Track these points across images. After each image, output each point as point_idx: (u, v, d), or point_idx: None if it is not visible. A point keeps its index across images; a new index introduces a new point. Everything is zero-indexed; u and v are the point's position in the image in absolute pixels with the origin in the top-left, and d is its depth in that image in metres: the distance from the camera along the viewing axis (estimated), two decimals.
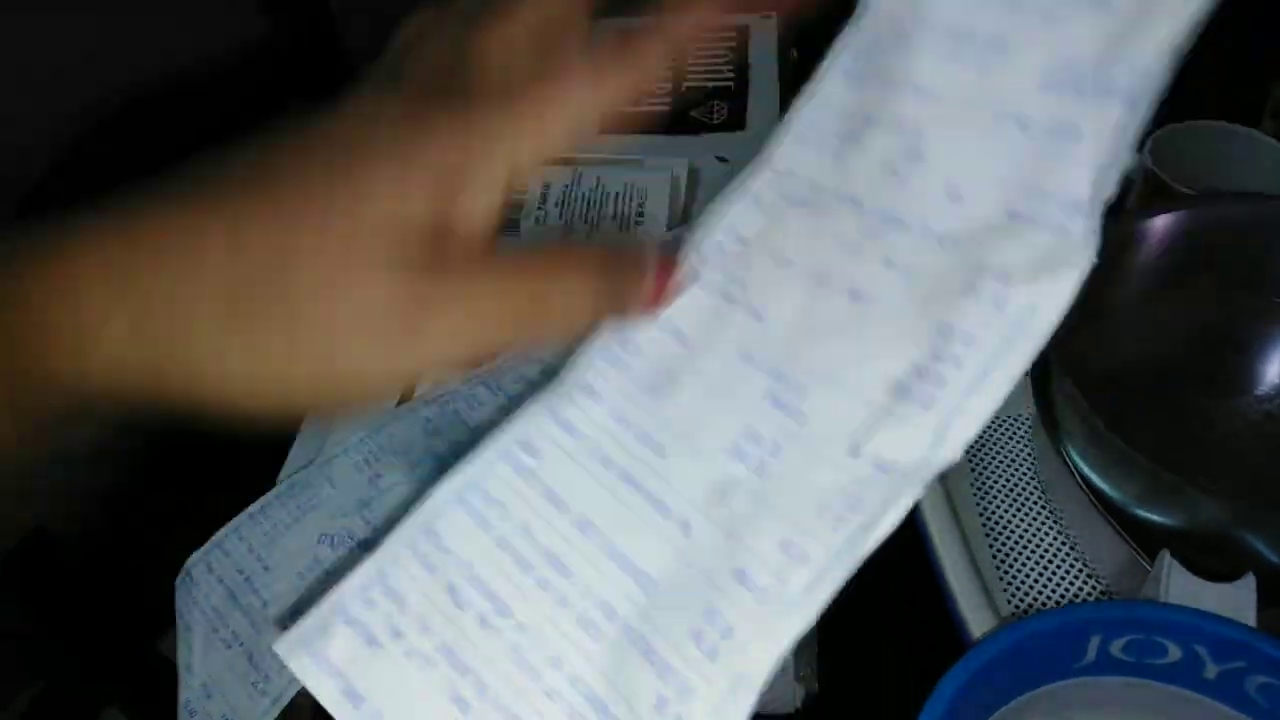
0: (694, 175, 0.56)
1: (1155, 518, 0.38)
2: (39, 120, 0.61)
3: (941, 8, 0.20)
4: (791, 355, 0.20)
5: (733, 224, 0.22)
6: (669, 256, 0.22)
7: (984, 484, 0.49)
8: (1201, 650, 0.30)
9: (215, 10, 0.74)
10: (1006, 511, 0.48)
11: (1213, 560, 0.39)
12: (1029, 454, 0.49)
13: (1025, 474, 0.49)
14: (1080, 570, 0.42)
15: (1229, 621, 0.29)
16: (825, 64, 0.22)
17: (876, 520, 0.20)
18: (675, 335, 0.21)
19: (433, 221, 0.19)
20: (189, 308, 0.18)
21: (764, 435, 0.20)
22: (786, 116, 0.22)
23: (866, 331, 0.20)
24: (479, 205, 0.20)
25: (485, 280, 0.20)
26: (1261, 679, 0.29)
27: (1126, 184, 0.56)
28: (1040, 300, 0.19)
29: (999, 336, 0.19)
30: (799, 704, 0.38)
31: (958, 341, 0.19)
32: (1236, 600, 0.31)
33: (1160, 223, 0.43)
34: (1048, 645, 0.30)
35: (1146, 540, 0.39)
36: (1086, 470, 0.41)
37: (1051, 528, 0.47)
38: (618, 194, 0.54)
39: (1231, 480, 0.41)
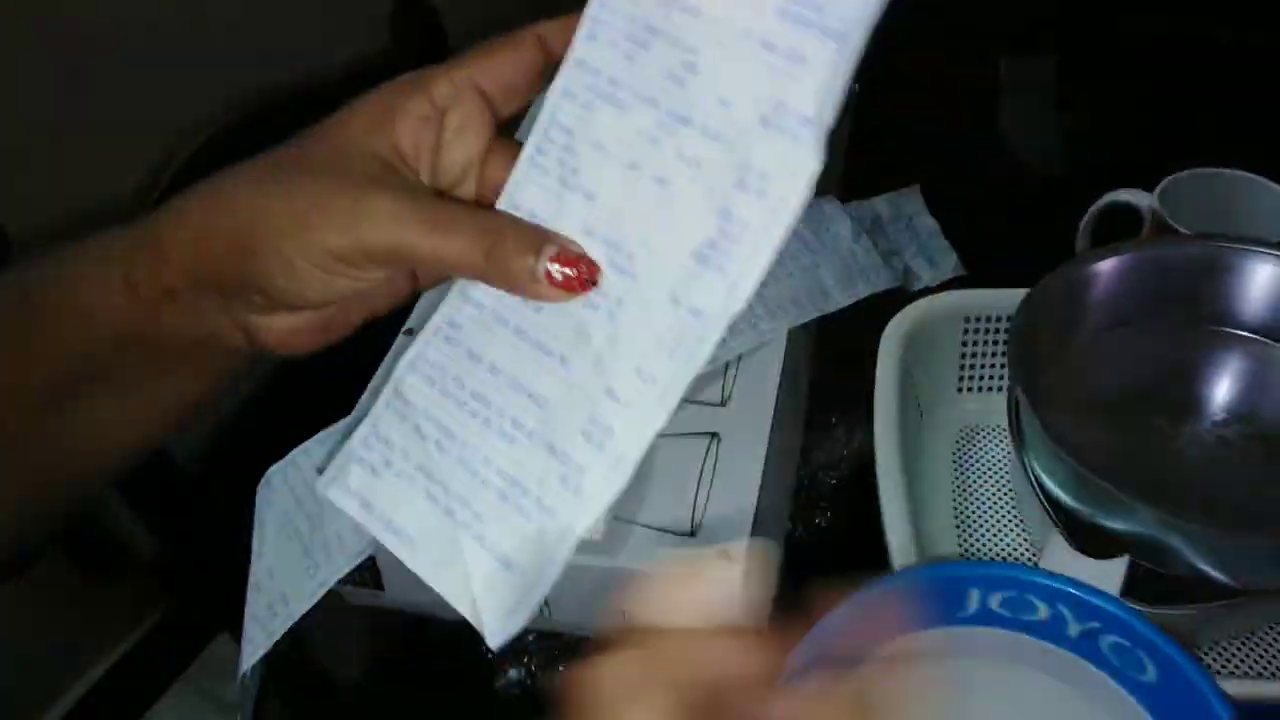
0: None
1: (1103, 524, 0.43)
2: (195, 111, 0.74)
3: None
4: (620, 229, 0.27)
5: (554, 115, 0.28)
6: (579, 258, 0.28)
7: (965, 485, 0.54)
8: (1065, 610, 0.35)
9: (352, 26, 0.86)
10: (980, 510, 0.52)
11: (1148, 562, 0.44)
12: (1006, 464, 0.54)
13: (1003, 480, 0.54)
14: (1033, 563, 0.47)
15: (1087, 587, 0.34)
16: None
17: (697, 349, 0.26)
18: (530, 215, 0.29)
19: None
20: (245, 182, 0.30)
21: (608, 291, 0.27)
22: (584, 14, 0.28)
23: (672, 211, 0.26)
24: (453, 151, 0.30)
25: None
26: (1113, 638, 0.34)
27: (1138, 221, 0.60)
28: (788, 192, 0.25)
29: (761, 219, 0.25)
30: None
31: (736, 223, 0.26)
32: (1103, 573, 0.36)
33: (1116, 263, 0.47)
34: (930, 593, 0.36)
35: (1096, 543, 0.43)
36: (1045, 480, 0.46)
37: (1015, 526, 0.51)
38: None
39: (1182, 496, 0.45)
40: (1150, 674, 0.33)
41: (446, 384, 0.29)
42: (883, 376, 0.51)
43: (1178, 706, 0.33)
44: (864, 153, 0.80)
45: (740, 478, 0.46)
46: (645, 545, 0.44)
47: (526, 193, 0.29)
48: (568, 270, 0.28)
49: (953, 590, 0.36)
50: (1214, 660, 0.45)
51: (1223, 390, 0.48)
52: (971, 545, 0.51)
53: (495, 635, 0.29)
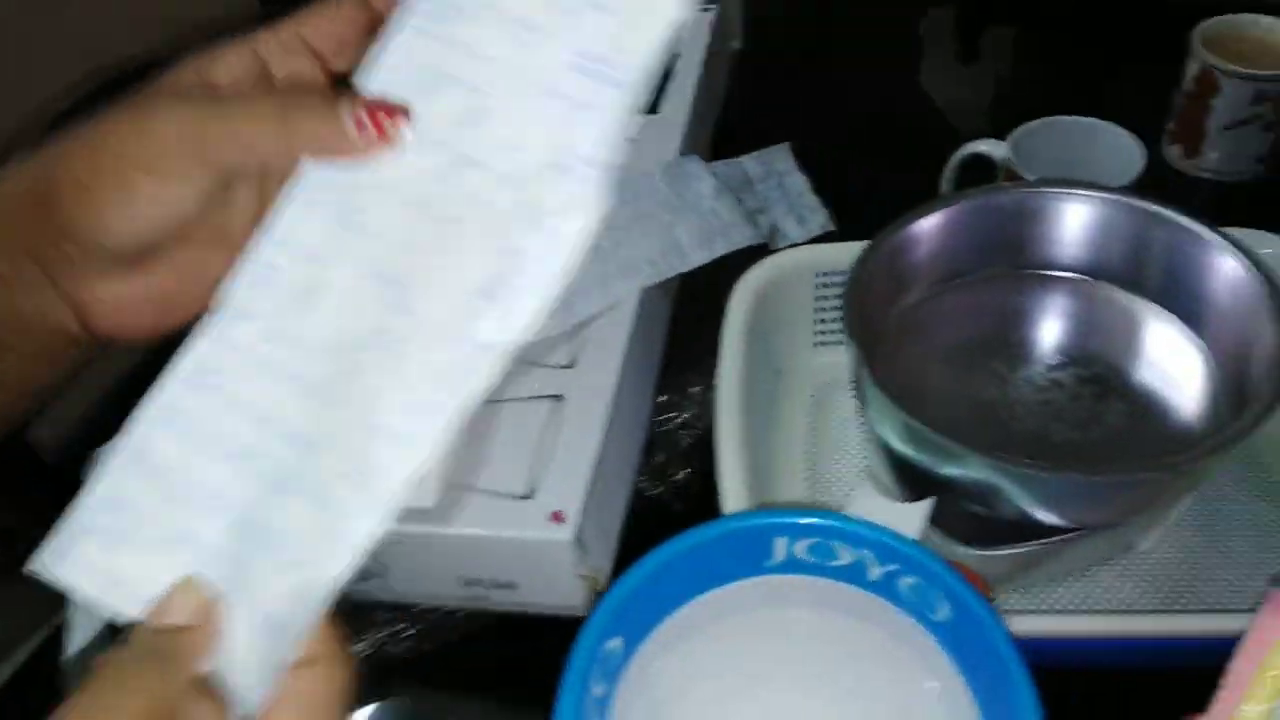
0: None
1: (937, 471, 0.43)
2: (43, 82, 0.71)
3: None
4: (403, 267, 0.27)
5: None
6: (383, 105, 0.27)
7: (819, 440, 0.54)
8: (866, 554, 0.35)
9: None
10: (834, 463, 0.53)
11: (981, 506, 0.44)
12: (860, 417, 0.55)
13: (857, 434, 0.54)
14: None
15: (887, 531, 0.35)
16: (396, 22, 0.27)
17: (474, 383, 0.26)
18: (309, 254, 0.28)
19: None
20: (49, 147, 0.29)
21: (388, 331, 0.27)
22: (369, 56, 0.28)
23: (458, 249, 0.26)
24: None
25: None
26: (911, 579, 0.35)
27: (993, 171, 0.61)
28: (571, 230, 0.26)
29: (546, 254, 0.26)
30: (584, 604, 0.44)
31: (518, 258, 0.26)
32: (905, 517, 0.36)
33: (945, 215, 0.48)
34: (735, 545, 0.36)
35: (933, 490, 0.43)
36: (881, 431, 0.46)
37: (866, 478, 0.52)
38: None
39: (1014, 442, 0.45)
40: (944, 612, 0.34)
41: (200, 438, 0.27)
42: (729, 332, 0.51)
43: (968, 640, 0.33)
44: (744, 111, 0.81)
45: (580, 440, 0.46)
46: (481, 510, 0.44)
47: (306, 229, 0.28)
48: (380, 115, 0.27)
49: (759, 541, 0.36)
50: (1039, 598, 0.46)
51: (1054, 333, 0.48)
52: (823, 499, 0.51)
53: (247, 699, 0.26)
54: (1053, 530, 0.43)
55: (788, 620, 0.37)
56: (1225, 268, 0.43)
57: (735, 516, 0.36)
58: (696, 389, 0.57)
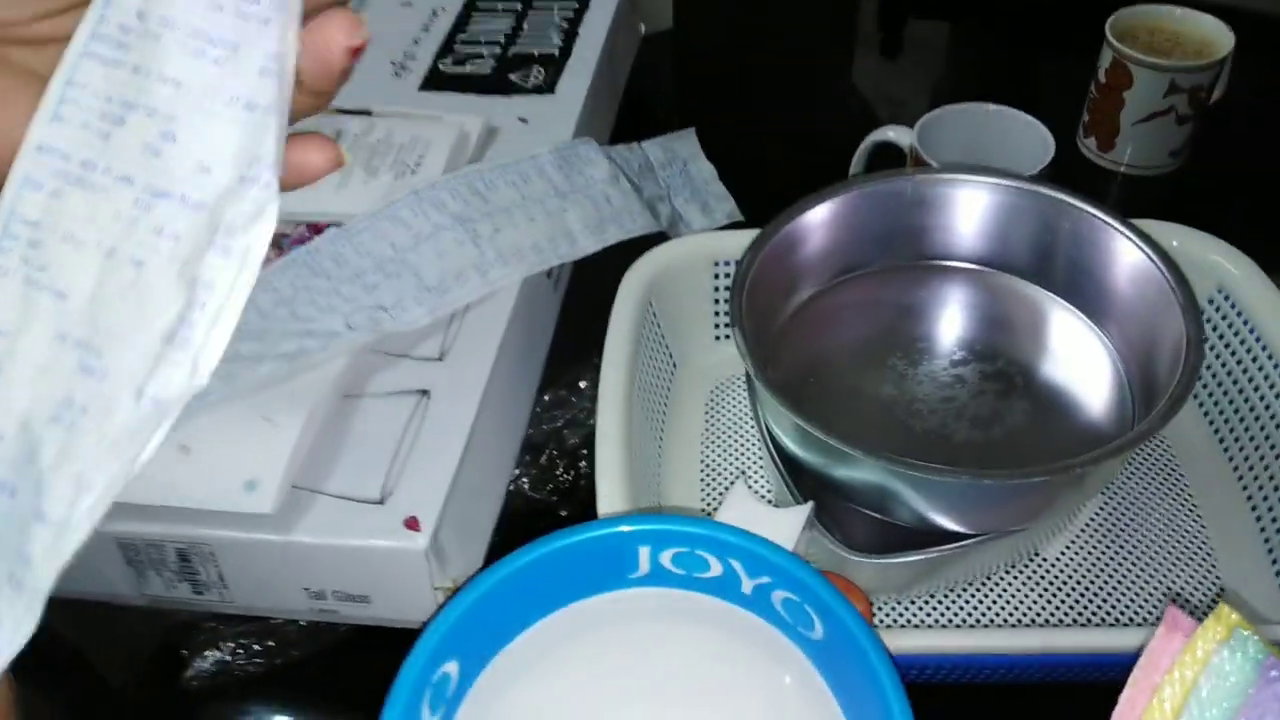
0: (491, 133, 0.59)
1: (830, 474, 0.40)
2: None
3: (183, 9, 0.23)
4: (93, 325, 0.23)
5: (13, 209, 0.24)
6: None
7: (715, 437, 0.51)
8: (738, 565, 0.32)
9: None
10: (729, 463, 0.49)
11: (875, 511, 0.41)
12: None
13: (754, 432, 0.51)
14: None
15: (759, 540, 0.31)
16: (72, 49, 0.24)
17: (145, 443, 0.23)
18: None
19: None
20: None
21: (76, 399, 0.23)
22: (45, 96, 0.24)
23: (145, 294, 0.23)
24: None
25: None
26: (784, 593, 0.31)
27: (903, 160, 0.58)
28: (254, 241, 0.23)
29: (228, 278, 0.23)
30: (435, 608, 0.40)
31: (201, 289, 0.23)
32: (780, 524, 0.33)
33: (838, 204, 0.45)
34: (594, 555, 0.32)
35: (829, 493, 0.40)
36: (775, 432, 0.43)
37: (763, 479, 0.48)
38: (402, 145, 0.56)
39: (912, 443, 0.42)
40: (818, 629, 0.31)
41: None
42: (616, 323, 0.48)
43: (842, 660, 0.30)
44: (656, 95, 0.77)
45: (444, 438, 0.42)
46: (327, 516, 0.39)
47: None
48: None
49: (620, 550, 0.32)
50: (937, 609, 0.43)
51: (956, 328, 0.46)
52: (716, 500, 0.48)
53: None
54: (951, 536, 0.40)
55: (654, 637, 0.33)
56: (1130, 259, 0.40)
57: (593, 524, 0.32)
58: (586, 384, 0.53)
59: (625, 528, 0.32)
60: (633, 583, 0.33)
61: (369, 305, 0.45)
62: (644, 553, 0.32)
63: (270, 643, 0.45)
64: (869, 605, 0.32)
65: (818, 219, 0.46)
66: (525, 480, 0.50)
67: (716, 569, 0.32)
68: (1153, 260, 0.39)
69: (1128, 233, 0.40)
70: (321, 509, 0.40)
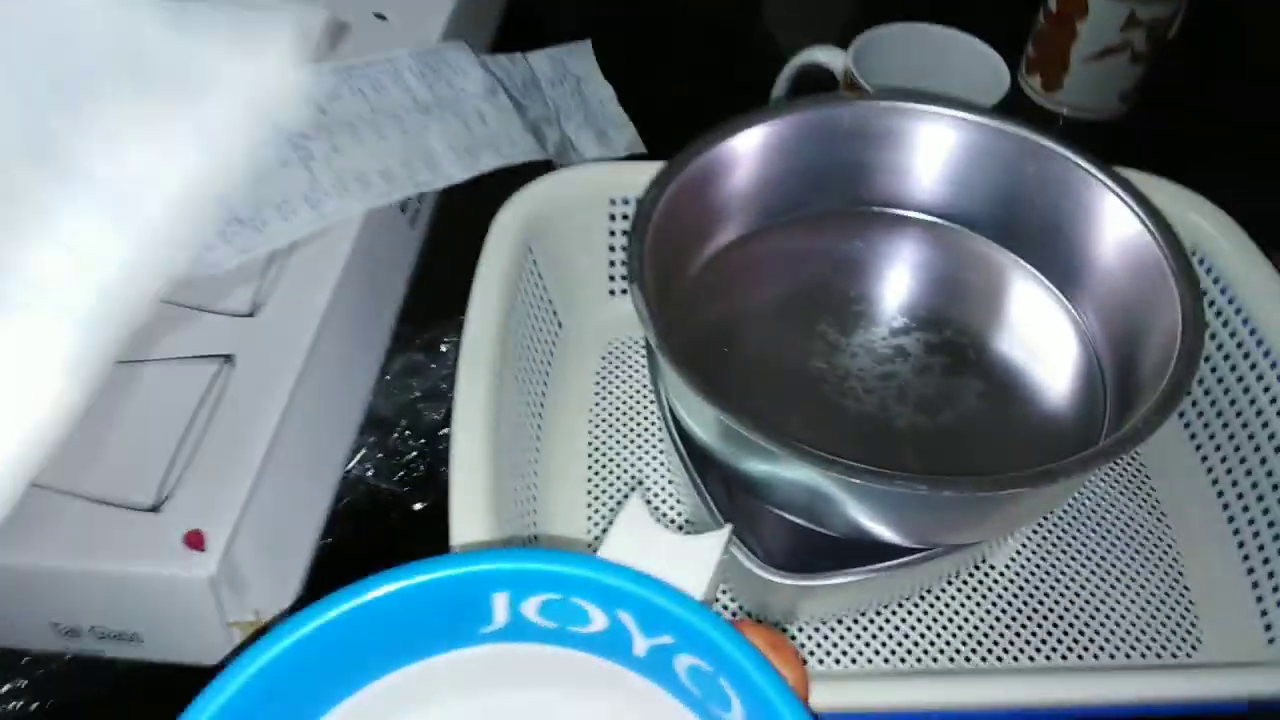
0: (338, 31, 0.47)
1: (745, 470, 0.32)
2: None
3: None
4: None
5: None
6: None
7: (607, 415, 0.42)
8: (627, 618, 0.23)
9: None
10: (623, 447, 0.41)
11: (801, 519, 0.33)
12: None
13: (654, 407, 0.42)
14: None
15: (655, 584, 0.23)
16: None
17: None
18: None
19: None
20: None
21: None
22: None
23: None
24: None
25: None
26: (690, 658, 0.23)
27: (833, 88, 0.50)
28: None
29: None
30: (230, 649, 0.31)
31: None
32: (689, 557, 0.24)
33: (766, 132, 0.36)
34: (435, 603, 0.23)
35: (744, 493, 0.32)
36: (679, 414, 0.35)
37: (667, 488, 0.40)
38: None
39: (844, 430, 0.35)
40: (736, 710, 0.22)
41: None
42: (486, 272, 0.38)
43: None
44: (546, 3, 0.67)
45: (250, 422, 0.32)
46: (80, 530, 0.29)
47: None
48: None
49: (469, 596, 0.23)
50: (866, 639, 0.35)
51: (900, 289, 0.38)
52: (608, 509, 0.39)
53: None
54: (892, 550, 0.32)
55: (512, 710, 0.25)
56: (1118, 221, 0.33)
57: (430, 562, 0.23)
58: (449, 346, 0.43)
59: (472, 567, 0.23)
60: (486, 638, 0.24)
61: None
62: (500, 600, 0.23)
63: (22, 682, 0.34)
64: (804, 674, 0.24)
65: (739, 151, 0.37)
66: (369, 466, 0.40)
67: (600, 622, 0.23)
68: (1147, 225, 0.32)
69: (1118, 189, 0.33)
70: (72, 519, 0.29)
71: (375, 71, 0.43)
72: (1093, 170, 0.34)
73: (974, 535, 0.32)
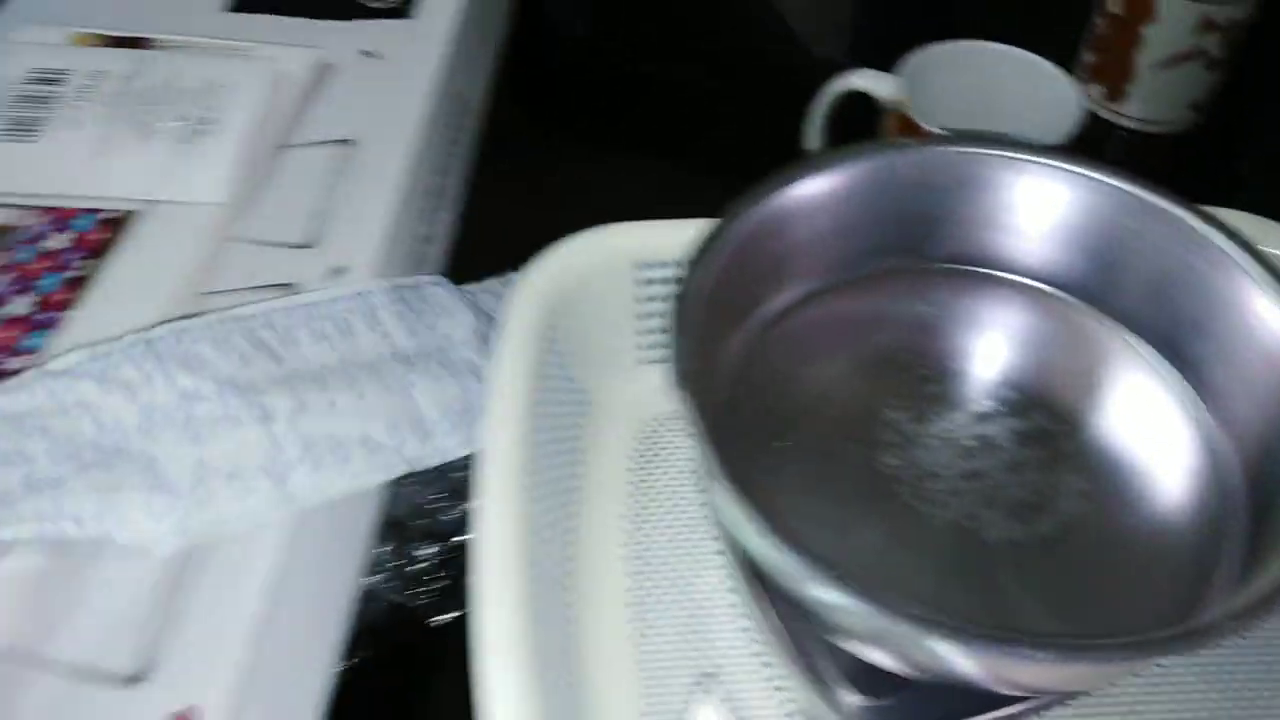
0: (323, 73, 0.42)
1: (816, 606, 0.27)
2: None
3: None
4: None
5: None
6: None
7: (647, 508, 0.37)
8: None
9: None
10: (669, 547, 0.36)
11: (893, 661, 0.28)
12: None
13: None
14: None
15: None
16: None
17: None
18: None
19: None
20: None
21: None
22: None
23: None
24: None
25: None
26: None
27: (878, 118, 0.45)
28: None
29: None
30: None
31: None
32: None
33: (826, 184, 0.31)
34: None
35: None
36: (737, 532, 0.30)
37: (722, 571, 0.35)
38: (192, 90, 0.39)
39: (927, 541, 0.30)
40: None
41: None
42: (505, 368, 0.33)
43: None
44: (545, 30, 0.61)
45: (236, 576, 0.27)
46: (45, 708, 0.25)
47: None
48: None
49: None
50: None
51: (984, 366, 0.33)
52: (653, 616, 0.34)
53: None
54: (992, 699, 0.28)
55: None
56: (1253, 304, 0.28)
57: None
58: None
59: None
60: None
61: (51, 513, 0.28)
62: None
63: None
64: None
65: (792, 205, 0.32)
66: (382, 579, 0.35)
67: None
68: None
69: (1257, 266, 0.28)
70: (35, 694, 0.25)
71: (338, 308, 0.35)
72: (1225, 243, 0.28)
73: (1093, 687, 0.27)
